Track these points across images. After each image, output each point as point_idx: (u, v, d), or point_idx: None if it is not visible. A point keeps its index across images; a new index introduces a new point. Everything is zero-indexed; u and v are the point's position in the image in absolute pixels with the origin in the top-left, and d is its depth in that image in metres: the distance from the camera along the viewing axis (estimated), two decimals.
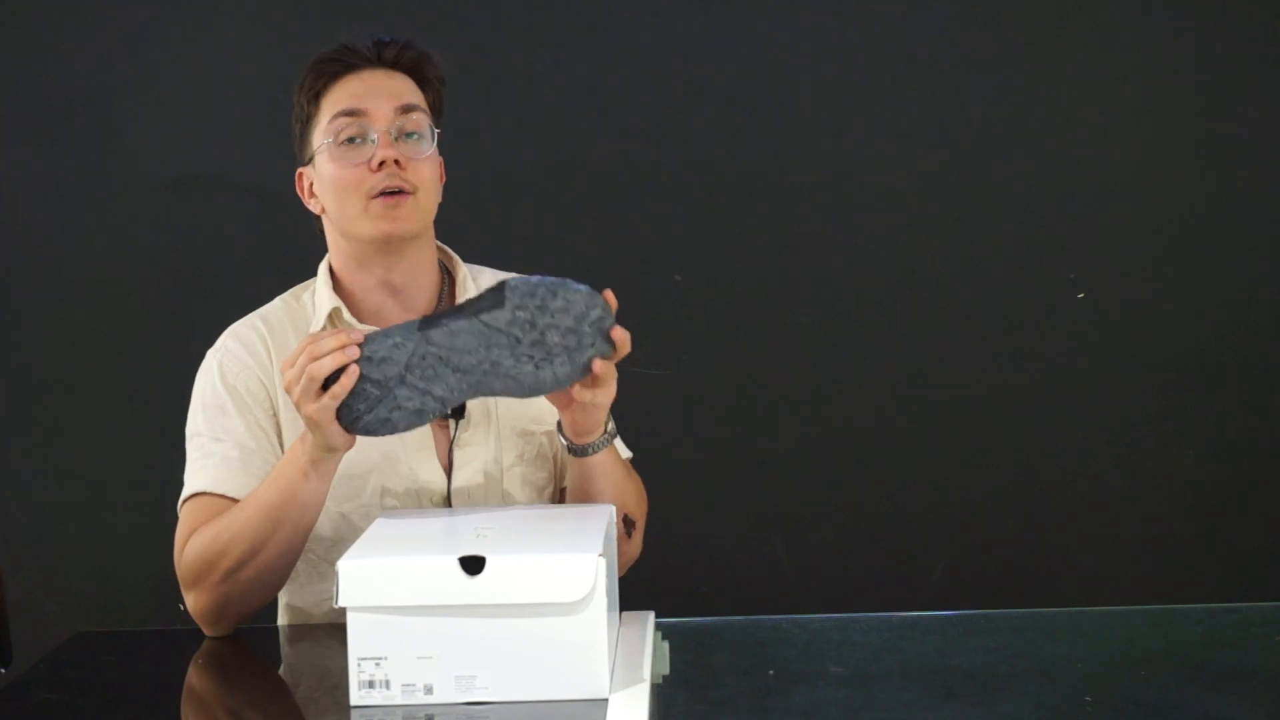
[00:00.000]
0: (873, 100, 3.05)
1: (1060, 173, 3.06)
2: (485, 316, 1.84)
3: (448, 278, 2.19)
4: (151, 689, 1.88)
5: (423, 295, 2.14)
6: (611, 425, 2.00)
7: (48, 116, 3.02)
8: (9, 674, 2.07)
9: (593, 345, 1.86)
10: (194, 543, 2.00)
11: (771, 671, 1.84)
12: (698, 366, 3.04)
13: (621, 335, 1.87)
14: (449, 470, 2.09)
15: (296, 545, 1.97)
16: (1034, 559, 3.08)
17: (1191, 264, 3.07)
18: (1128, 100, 3.05)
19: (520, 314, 1.84)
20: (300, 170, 2.16)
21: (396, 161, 2.05)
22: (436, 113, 2.15)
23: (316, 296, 2.14)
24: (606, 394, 1.91)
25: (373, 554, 1.69)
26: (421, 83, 2.13)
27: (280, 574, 1.99)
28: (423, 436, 2.08)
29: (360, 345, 1.83)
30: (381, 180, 2.05)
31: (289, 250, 3.01)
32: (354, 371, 1.82)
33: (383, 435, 1.87)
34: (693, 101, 3.04)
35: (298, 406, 1.85)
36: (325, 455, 1.90)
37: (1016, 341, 3.07)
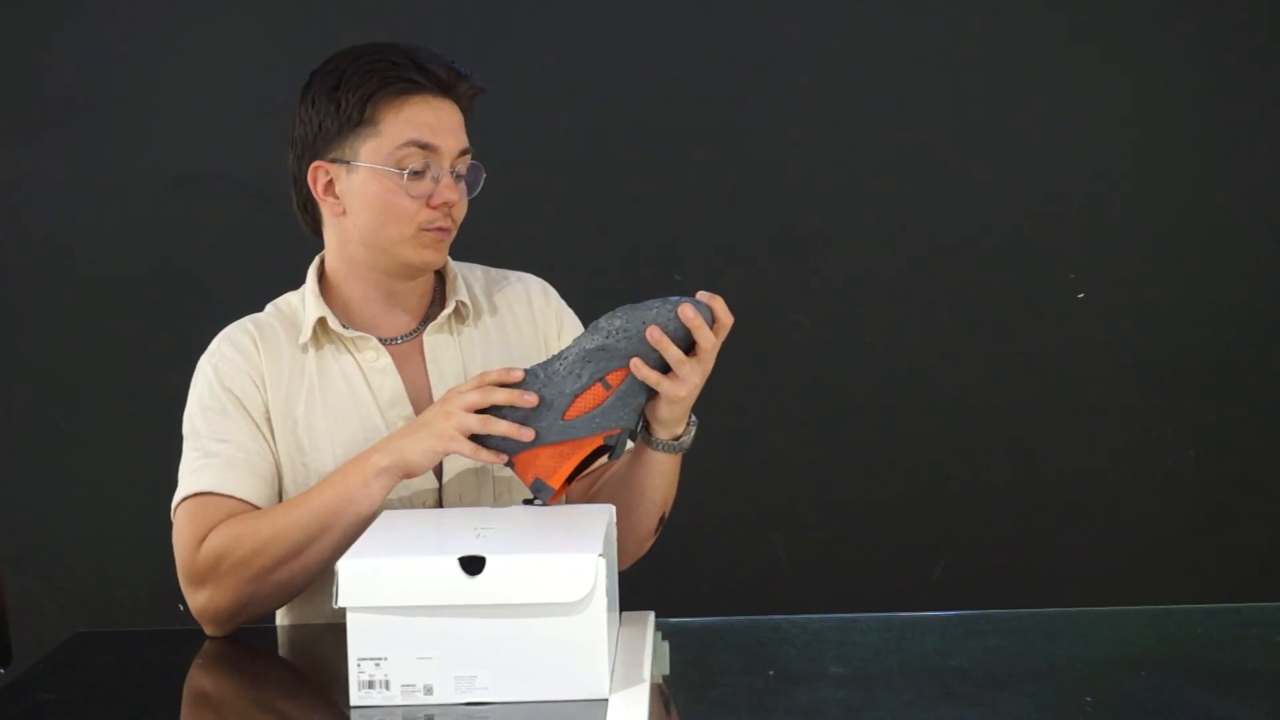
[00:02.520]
0: (872, 100, 3.05)
1: (1060, 173, 3.06)
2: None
3: (438, 277, 2.19)
4: (151, 689, 1.88)
5: (419, 301, 2.15)
6: (688, 437, 2.00)
7: (48, 116, 3.02)
8: (9, 674, 2.07)
9: (651, 309, 1.88)
10: (218, 539, 1.98)
11: (771, 671, 1.84)
12: None
13: (718, 305, 1.95)
14: (439, 471, 2.09)
15: (337, 554, 1.95)
16: (1034, 559, 3.08)
17: (1191, 264, 3.07)
18: (1128, 100, 3.05)
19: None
20: (318, 164, 2.10)
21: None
22: None
23: (305, 303, 2.14)
24: (678, 387, 1.90)
25: (372, 554, 1.69)
26: (464, 112, 2.13)
27: (310, 578, 1.98)
28: None
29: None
30: (436, 218, 2.05)
31: (289, 250, 3.01)
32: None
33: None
34: (693, 102, 3.04)
35: (445, 423, 1.88)
36: (397, 471, 1.92)
37: (1016, 341, 3.07)
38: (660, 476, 2.01)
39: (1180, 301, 3.07)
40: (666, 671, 1.83)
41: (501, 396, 1.87)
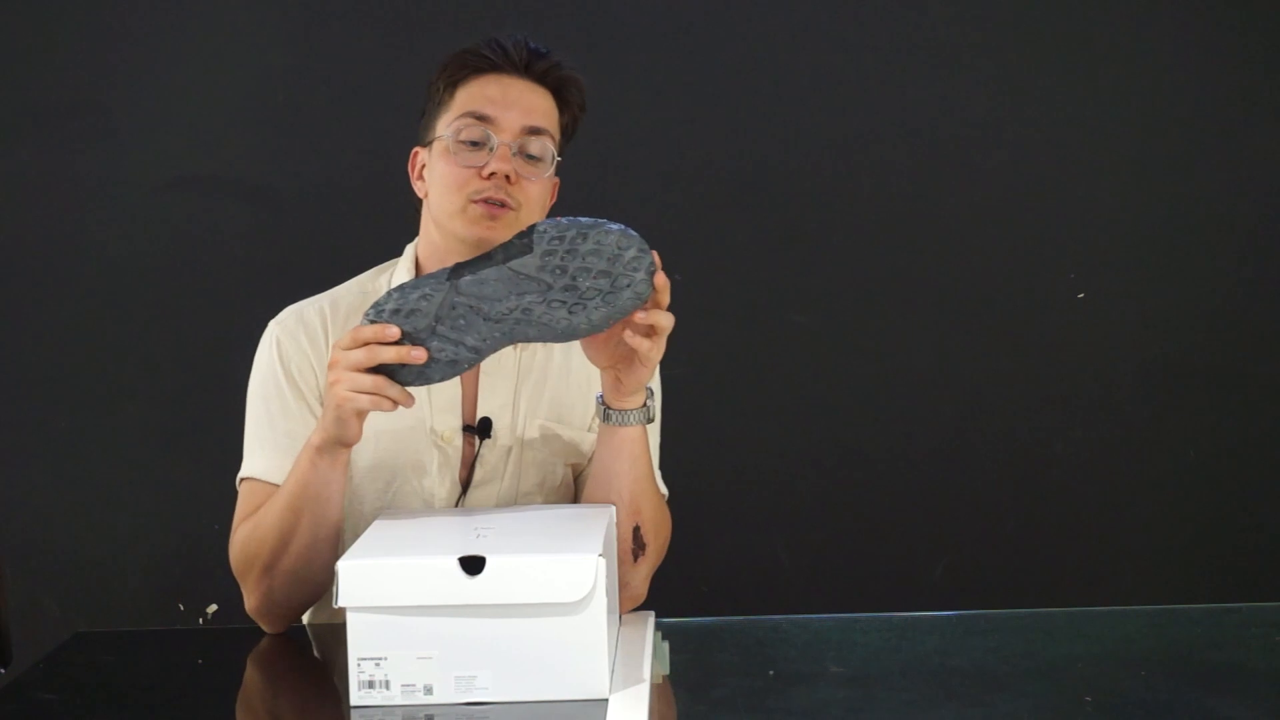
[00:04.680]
0: (873, 100, 3.05)
1: (1060, 173, 3.06)
2: (514, 263, 1.81)
3: None
4: (151, 689, 1.88)
5: None
6: (653, 405, 1.97)
7: (48, 116, 3.02)
8: (9, 674, 2.07)
9: (628, 286, 1.81)
10: (238, 537, 2.01)
11: (771, 671, 1.84)
12: (697, 367, 3.04)
13: (662, 280, 1.83)
14: (465, 486, 2.08)
15: (324, 536, 1.95)
16: (1034, 559, 3.08)
17: (1191, 264, 3.07)
18: (1128, 100, 3.05)
19: (549, 259, 1.80)
20: (416, 149, 2.14)
21: (508, 176, 2.04)
22: (568, 135, 2.15)
23: (394, 277, 2.14)
24: (656, 347, 1.87)
25: (373, 554, 1.69)
26: (561, 103, 2.12)
27: (316, 567, 1.97)
28: (452, 449, 2.08)
29: (392, 298, 1.81)
30: (487, 188, 2.03)
31: (289, 250, 3.02)
32: (419, 355, 1.81)
33: (418, 385, 1.84)
34: (693, 101, 3.04)
35: (334, 389, 1.83)
36: (331, 445, 1.90)
37: (1016, 341, 3.07)
38: (628, 461, 1.96)
39: (1180, 301, 3.07)
40: (666, 671, 1.83)
41: (390, 355, 1.81)
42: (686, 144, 3.05)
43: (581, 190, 3.04)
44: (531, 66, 2.10)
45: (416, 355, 1.81)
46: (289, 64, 3.03)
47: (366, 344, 1.82)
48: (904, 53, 3.04)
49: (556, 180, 2.15)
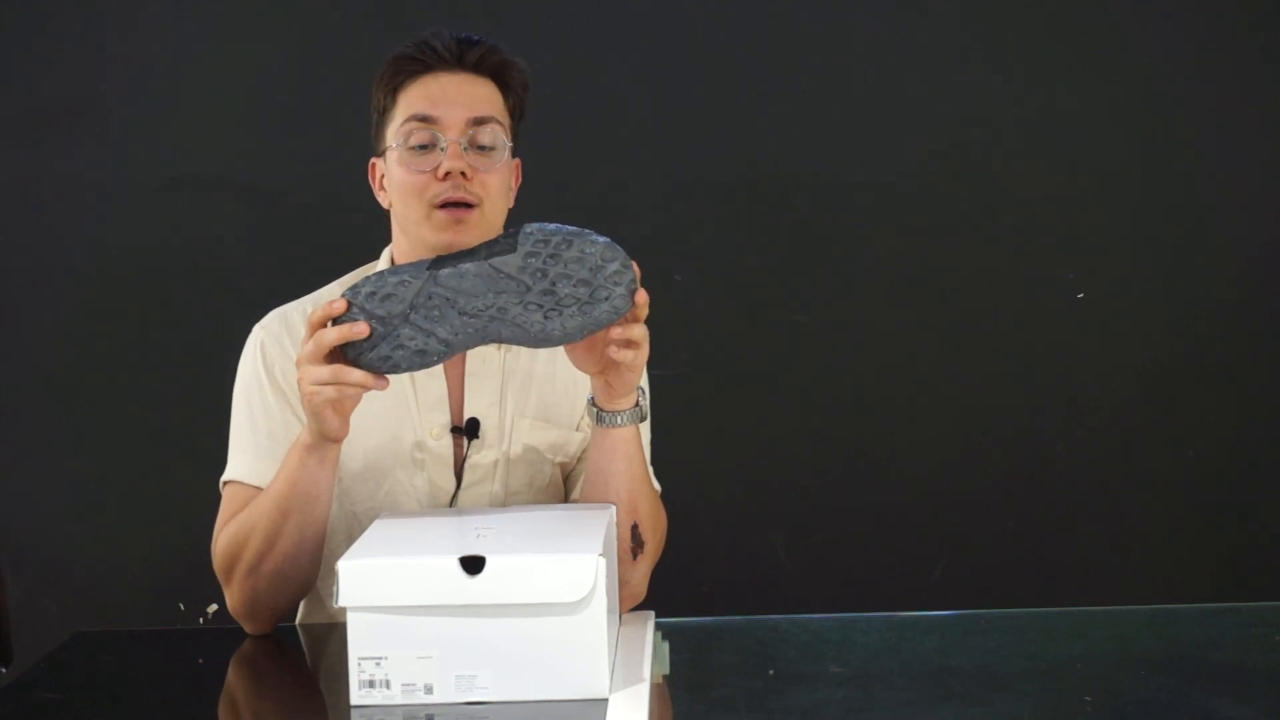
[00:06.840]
0: (873, 99, 3.05)
1: (1060, 173, 3.06)
2: (496, 260, 1.80)
3: None
4: (151, 689, 1.88)
5: None
6: (644, 404, 1.96)
7: (48, 116, 3.02)
8: (9, 674, 2.07)
9: (606, 299, 1.81)
10: (221, 542, 2.01)
11: (771, 671, 1.84)
12: (697, 367, 3.04)
13: (643, 298, 1.83)
14: (456, 486, 2.08)
15: (310, 536, 1.95)
16: (1034, 559, 3.08)
17: (1191, 264, 3.07)
18: (1128, 100, 3.05)
19: (531, 261, 1.80)
20: (373, 160, 2.14)
21: (464, 173, 2.03)
22: (517, 117, 2.13)
23: None
24: (639, 356, 1.86)
25: (373, 554, 1.69)
26: (503, 87, 2.11)
27: (301, 567, 1.97)
28: (441, 449, 2.08)
29: (369, 281, 1.81)
30: (446, 190, 2.03)
31: (288, 250, 3.02)
32: (361, 330, 1.80)
33: (385, 373, 1.82)
34: (693, 101, 3.04)
35: (300, 385, 1.83)
36: (319, 442, 1.89)
37: (1016, 341, 3.07)
38: (624, 461, 1.95)
39: (1180, 301, 3.07)
40: (666, 671, 1.84)
41: (332, 337, 1.80)
42: (688, 144, 3.05)
43: (584, 190, 3.05)
44: (465, 58, 2.09)
45: (358, 330, 1.80)
46: (289, 64, 3.03)
47: (315, 329, 1.82)
48: (906, 53, 3.04)
49: (517, 161, 2.15)
